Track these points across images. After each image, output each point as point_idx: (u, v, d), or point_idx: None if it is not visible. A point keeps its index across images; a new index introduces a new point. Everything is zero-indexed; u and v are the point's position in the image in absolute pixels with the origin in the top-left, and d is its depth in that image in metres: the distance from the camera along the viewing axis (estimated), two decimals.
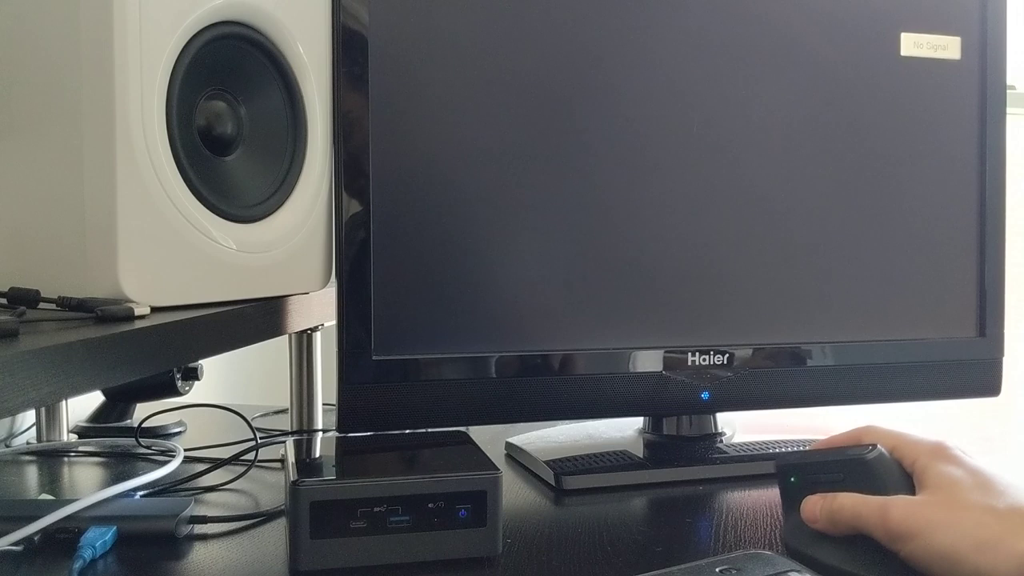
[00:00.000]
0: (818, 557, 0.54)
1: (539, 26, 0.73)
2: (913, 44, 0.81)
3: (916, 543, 0.48)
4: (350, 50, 0.69)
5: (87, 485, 0.77)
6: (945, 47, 0.82)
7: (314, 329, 0.87)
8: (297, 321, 0.75)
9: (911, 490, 0.54)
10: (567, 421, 0.89)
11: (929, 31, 0.82)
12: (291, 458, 0.59)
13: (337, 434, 0.70)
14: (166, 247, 0.61)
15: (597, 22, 0.74)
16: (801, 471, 0.60)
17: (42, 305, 0.56)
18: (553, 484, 0.73)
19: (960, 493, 0.50)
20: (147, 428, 0.90)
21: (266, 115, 0.70)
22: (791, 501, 0.59)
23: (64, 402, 0.89)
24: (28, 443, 0.89)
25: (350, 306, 0.70)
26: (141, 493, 0.67)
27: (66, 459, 0.84)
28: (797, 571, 0.47)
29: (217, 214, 0.65)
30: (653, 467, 0.76)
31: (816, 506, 0.55)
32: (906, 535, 0.49)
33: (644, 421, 0.85)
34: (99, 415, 0.94)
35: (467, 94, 0.72)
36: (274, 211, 0.70)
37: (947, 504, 0.50)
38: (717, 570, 0.47)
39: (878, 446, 0.56)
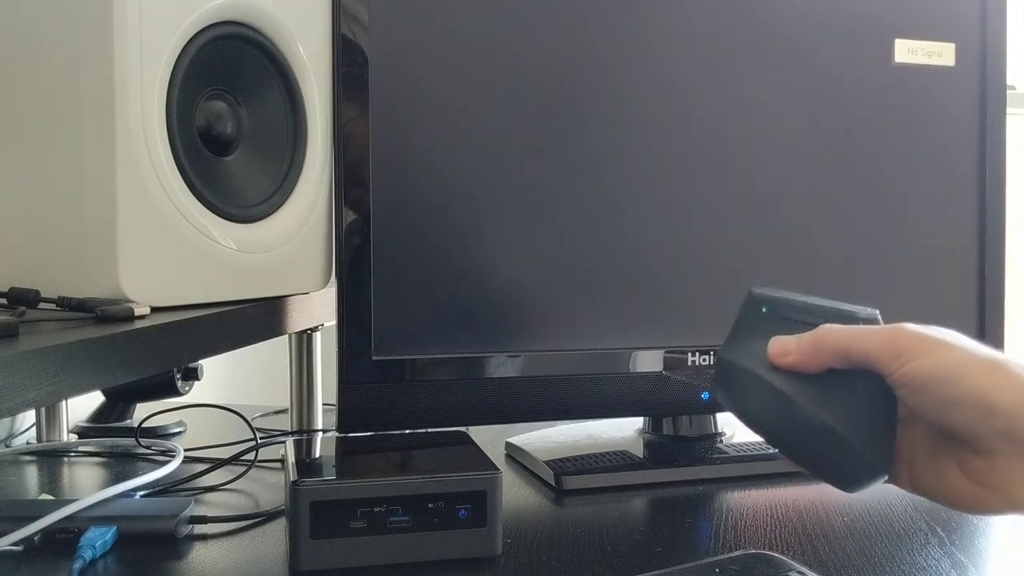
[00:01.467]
0: (765, 376, 0.47)
1: (539, 25, 0.73)
2: (907, 51, 0.81)
3: (920, 360, 0.44)
4: (350, 50, 0.69)
5: (87, 485, 0.77)
6: (939, 53, 0.82)
7: (314, 329, 0.87)
8: (297, 321, 0.75)
9: None
10: (567, 421, 0.89)
11: (923, 38, 0.82)
12: (291, 458, 0.59)
13: (337, 434, 0.70)
14: (166, 247, 0.61)
15: (597, 23, 0.74)
16: (776, 305, 0.52)
17: (42, 305, 0.56)
18: (553, 484, 0.73)
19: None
20: (147, 428, 0.90)
21: (266, 115, 0.70)
22: (748, 328, 0.51)
23: (64, 402, 0.89)
24: (28, 443, 0.89)
25: (350, 306, 0.70)
26: (141, 493, 0.67)
27: (66, 459, 0.84)
28: (797, 571, 0.47)
29: (217, 214, 0.65)
30: (653, 467, 0.76)
31: (792, 340, 0.48)
32: (914, 352, 0.44)
33: (644, 421, 0.85)
34: (99, 415, 0.94)
35: (467, 94, 0.72)
36: (274, 211, 0.70)
37: (953, 332, 0.46)
38: (717, 570, 0.47)
39: (877, 312, 0.50)
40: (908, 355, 0.44)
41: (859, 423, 0.45)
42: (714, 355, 0.77)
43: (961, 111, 0.84)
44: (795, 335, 0.47)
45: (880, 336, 0.45)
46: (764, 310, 0.52)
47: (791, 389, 0.46)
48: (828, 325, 0.47)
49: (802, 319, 0.48)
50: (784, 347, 0.47)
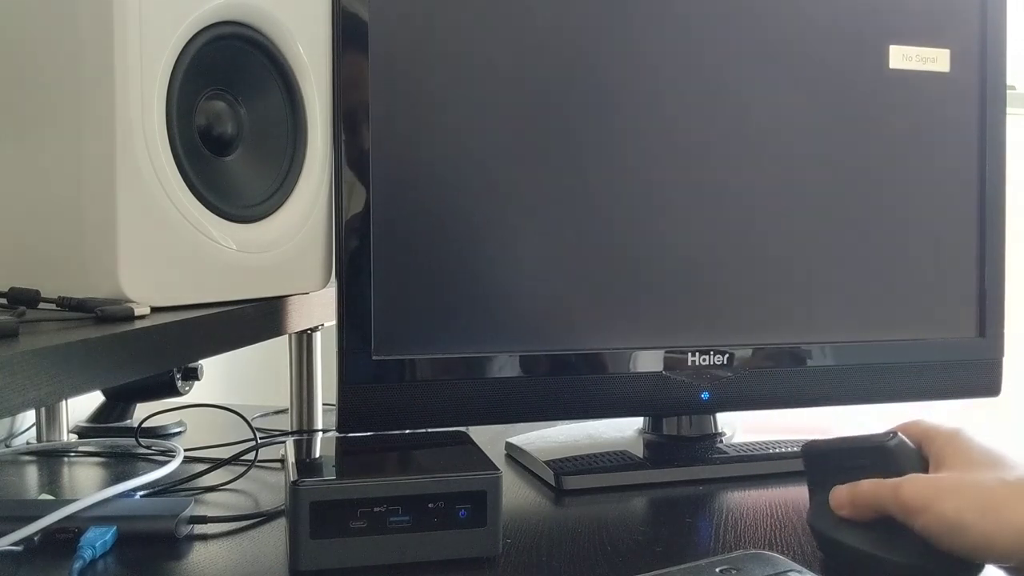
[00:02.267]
0: (842, 539, 0.55)
1: (539, 26, 0.73)
2: (902, 56, 0.81)
3: (927, 515, 0.49)
4: (350, 50, 0.69)
5: (87, 485, 0.77)
6: (934, 59, 0.82)
7: (314, 329, 0.87)
8: (297, 321, 0.75)
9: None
10: (567, 421, 0.89)
11: (918, 43, 0.82)
12: (291, 458, 0.59)
13: (337, 434, 0.70)
14: (166, 247, 0.61)
15: (596, 24, 0.74)
16: (827, 456, 0.61)
17: (42, 305, 0.56)
18: (553, 484, 0.73)
19: (970, 467, 0.52)
20: (147, 428, 0.90)
21: (266, 115, 0.70)
22: (816, 486, 0.60)
23: (64, 402, 0.89)
24: (28, 443, 0.89)
25: (350, 306, 0.70)
26: (141, 493, 0.67)
27: (66, 459, 0.84)
28: (797, 571, 0.47)
29: (217, 214, 0.65)
30: (653, 467, 0.76)
31: (843, 494, 0.56)
32: (918, 508, 0.50)
33: (644, 421, 0.85)
34: (99, 415, 0.94)
35: (467, 94, 0.72)
36: (274, 211, 0.70)
37: (956, 476, 0.51)
38: (717, 570, 0.47)
39: (899, 434, 0.57)
40: (915, 511, 0.50)
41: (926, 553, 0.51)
42: (714, 353, 0.77)
43: (958, 115, 0.84)
44: (847, 485, 0.55)
45: (889, 493, 0.52)
46: (819, 465, 0.61)
47: (859, 542, 0.54)
48: (861, 485, 0.54)
49: (852, 464, 0.57)
50: (839, 502, 0.55)
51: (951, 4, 0.84)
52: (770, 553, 0.51)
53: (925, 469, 0.56)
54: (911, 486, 0.51)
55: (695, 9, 0.77)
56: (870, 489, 0.54)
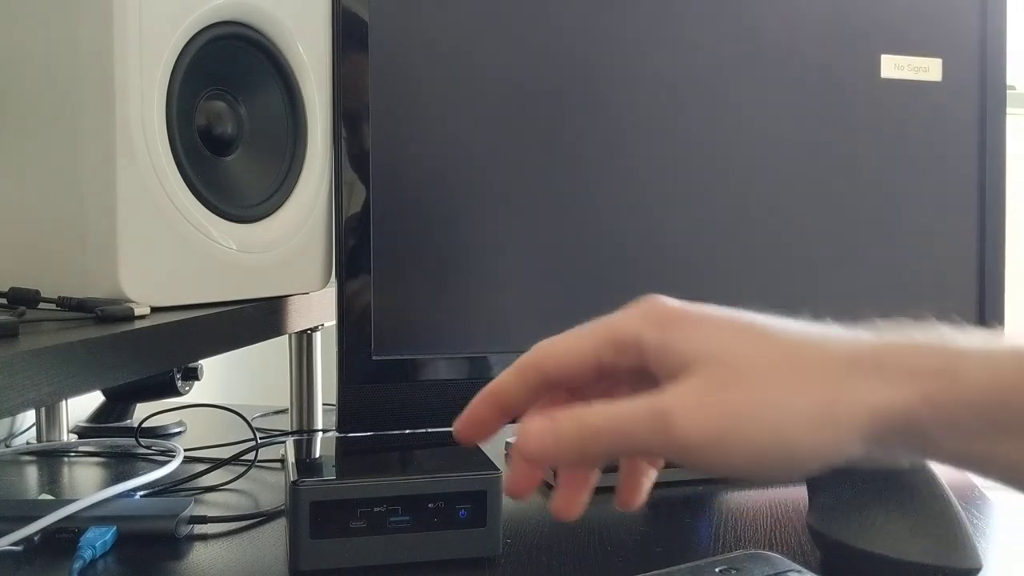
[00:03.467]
0: (842, 539, 0.54)
1: (539, 26, 0.73)
2: (894, 66, 0.81)
3: (720, 448, 0.33)
4: (350, 50, 0.69)
5: (87, 485, 0.77)
6: (926, 69, 0.82)
7: (314, 329, 0.87)
8: (297, 321, 0.75)
9: None
10: None
11: (910, 53, 0.82)
12: (291, 458, 0.59)
13: (337, 434, 0.70)
14: (166, 247, 0.61)
15: (596, 24, 0.74)
16: None
17: (42, 305, 0.56)
18: (553, 484, 0.73)
19: (729, 358, 0.35)
20: (147, 428, 0.90)
21: (266, 115, 0.70)
22: (816, 486, 0.59)
23: (64, 402, 0.89)
24: (28, 443, 0.89)
25: (350, 306, 0.70)
26: (141, 493, 0.67)
27: (66, 459, 0.84)
28: (797, 571, 0.47)
29: (217, 214, 0.65)
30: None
31: (545, 430, 0.36)
32: (702, 444, 0.33)
33: None
34: (99, 415, 0.93)
35: (467, 94, 0.72)
36: (274, 211, 0.70)
37: (727, 380, 0.34)
38: (717, 570, 0.47)
39: None
40: (698, 450, 0.34)
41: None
42: None
43: (956, 119, 0.84)
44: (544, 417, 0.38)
45: (649, 432, 0.35)
46: None
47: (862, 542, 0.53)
48: (587, 416, 0.36)
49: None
50: (540, 441, 0.37)
51: (946, 12, 0.83)
52: (770, 553, 0.51)
53: None
54: (683, 418, 0.34)
55: (690, 15, 0.77)
56: (606, 422, 0.35)
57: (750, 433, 0.33)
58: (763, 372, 0.34)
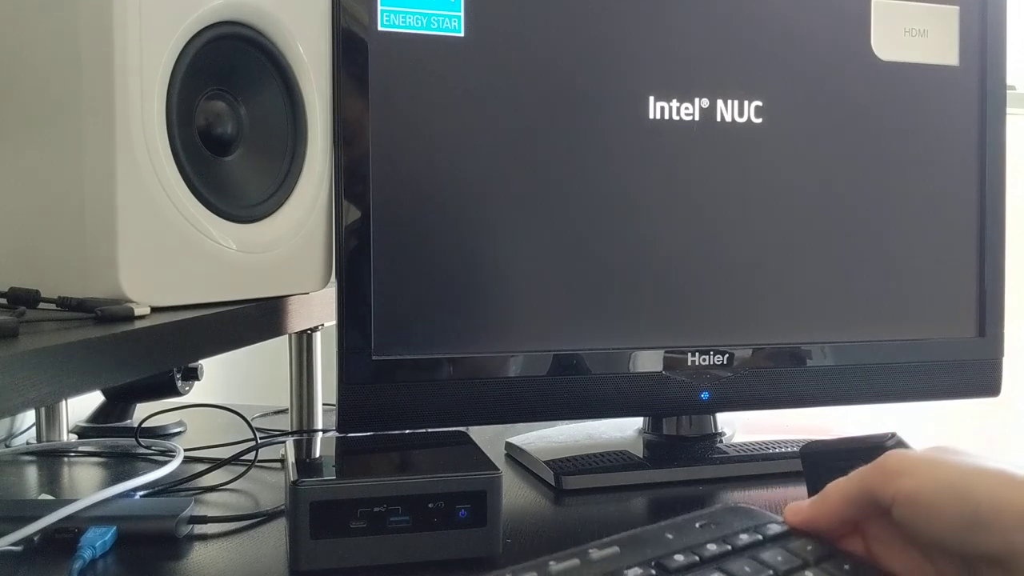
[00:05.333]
0: None
1: (542, 24, 0.73)
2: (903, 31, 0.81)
3: (913, 478, 0.42)
4: (350, 50, 0.69)
5: (87, 485, 0.77)
6: (924, 33, 0.82)
7: (314, 329, 0.87)
8: (297, 321, 0.75)
9: None
10: (567, 421, 0.89)
11: None
12: (291, 458, 0.59)
13: (337, 434, 0.70)
14: (166, 247, 0.61)
15: (595, 25, 0.74)
16: (825, 457, 0.60)
17: (42, 305, 0.56)
18: (553, 484, 0.73)
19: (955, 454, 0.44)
20: (147, 428, 0.90)
21: (266, 115, 0.70)
22: (815, 486, 0.59)
23: (64, 402, 0.89)
24: (28, 443, 0.89)
25: (350, 306, 0.70)
26: (141, 493, 0.67)
27: (66, 459, 0.84)
28: (778, 523, 0.47)
29: (217, 214, 0.65)
30: (653, 467, 0.76)
31: (803, 501, 0.51)
32: (902, 470, 0.43)
33: (644, 421, 0.85)
34: (99, 415, 0.94)
35: (467, 94, 0.72)
36: (274, 211, 0.70)
37: (943, 452, 0.44)
38: (697, 525, 0.47)
39: (897, 434, 0.56)
40: (896, 473, 0.43)
41: None
42: (714, 353, 0.77)
43: (964, 108, 0.84)
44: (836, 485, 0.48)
45: (870, 465, 0.44)
46: (817, 465, 0.59)
47: None
48: (837, 480, 0.47)
49: (850, 465, 0.51)
50: (796, 507, 0.48)
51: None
52: (749, 506, 0.51)
53: None
54: (896, 453, 0.44)
55: (687, 23, 0.77)
56: (846, 478, 0.46)
57: None
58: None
